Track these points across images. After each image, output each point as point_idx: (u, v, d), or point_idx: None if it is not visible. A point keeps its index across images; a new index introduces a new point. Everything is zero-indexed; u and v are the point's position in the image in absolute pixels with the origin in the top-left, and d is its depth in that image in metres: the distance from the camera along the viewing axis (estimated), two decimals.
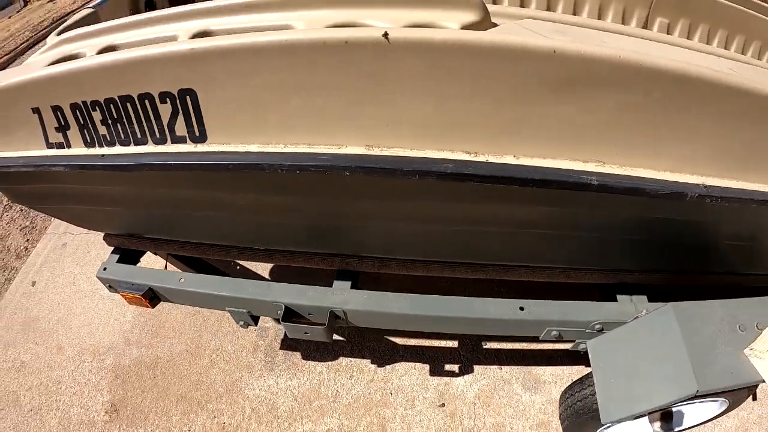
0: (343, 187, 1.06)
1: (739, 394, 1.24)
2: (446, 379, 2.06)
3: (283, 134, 0.96)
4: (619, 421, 1.27)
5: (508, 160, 0.91)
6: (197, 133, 1.03)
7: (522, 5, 1.40)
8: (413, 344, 2.18)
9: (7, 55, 4.87)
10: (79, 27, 1.45)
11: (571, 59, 0.83)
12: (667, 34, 1.61)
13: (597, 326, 1.42)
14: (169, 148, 1.07)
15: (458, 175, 0.88)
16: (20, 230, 3.34)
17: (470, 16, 1.00)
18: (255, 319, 1.66)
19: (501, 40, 0.81)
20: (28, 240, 3.21)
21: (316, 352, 2.20)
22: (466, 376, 2.06)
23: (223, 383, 2.15)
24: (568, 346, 1.53)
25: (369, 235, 1.43)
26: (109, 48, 1.24)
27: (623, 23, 1.57)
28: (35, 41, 5.27)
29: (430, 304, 1.46)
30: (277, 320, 1.56)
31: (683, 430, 1.48)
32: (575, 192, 0.97)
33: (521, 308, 1.45)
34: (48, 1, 6.27)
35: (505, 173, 0.92)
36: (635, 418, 1.26)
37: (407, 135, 0.92)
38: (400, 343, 2.20)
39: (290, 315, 1.55)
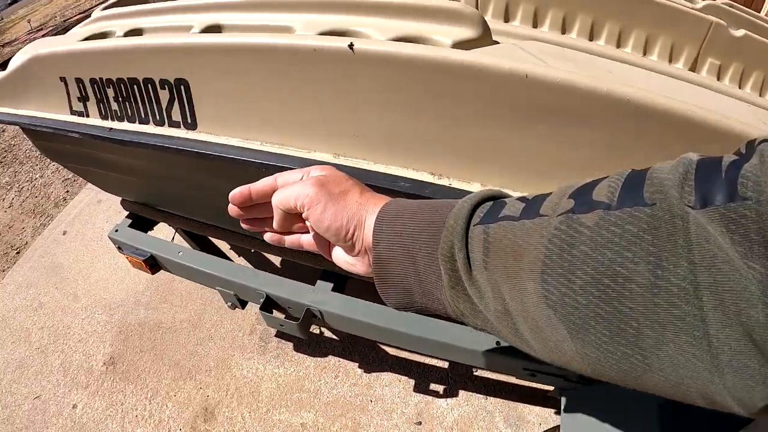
0: None
1: None
2: (428, 398, 2.04)
3: (262, 132, 1.00)
4: None
5: (475, 187, 0.90)
6: (189, 121, 1.09)
7: (534, 26, 1.35)
8: (403, 357, 2.18)
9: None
10: (123, 5, 1.57)
11: (545, 86, 0.79)
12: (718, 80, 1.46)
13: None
14: (165, 131, 1.14)
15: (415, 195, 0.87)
16: (62, 182, 3.64)
17: (466, 33, 0.98)
18: (242, 303, 1.72)
19: (462, 59, 0.78)
20: (67, 192, 3.49)
21: (307, 346, 2.26)
22: (449, 399, 2.03)
23: (215, 358, 2.25)
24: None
25: None
26: (135, 31, 1.34)
27: (670, 62, 1.44)
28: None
29: (404, 320, 1.39)
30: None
31: None
32: None
33: (497, 343, 1.40)
34: None
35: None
36: None
37: (373, 148, 0.92)
38: (391, 353, 2.20)
39: (271, 305, 1.60)
